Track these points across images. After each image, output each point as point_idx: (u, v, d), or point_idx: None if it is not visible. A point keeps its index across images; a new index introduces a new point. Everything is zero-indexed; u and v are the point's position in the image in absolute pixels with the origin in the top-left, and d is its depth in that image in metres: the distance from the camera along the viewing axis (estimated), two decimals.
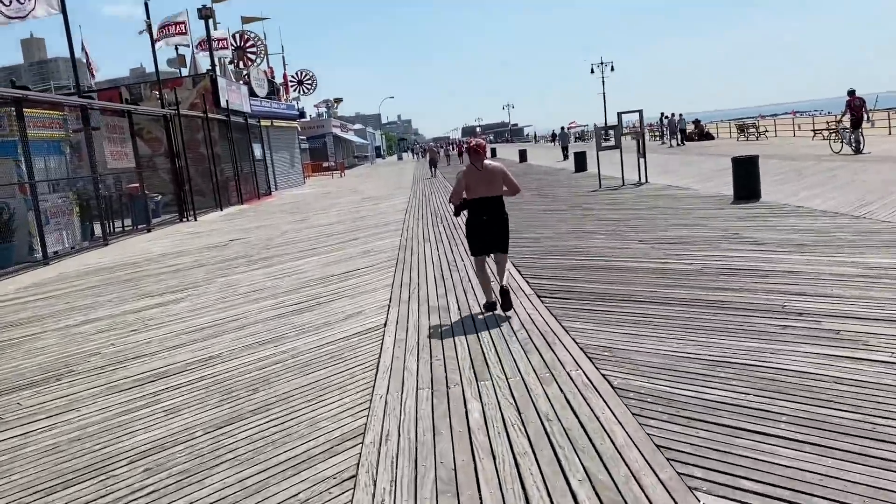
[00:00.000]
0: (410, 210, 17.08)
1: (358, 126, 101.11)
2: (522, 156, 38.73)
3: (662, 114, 41.45)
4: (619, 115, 17.90)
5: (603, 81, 65.54)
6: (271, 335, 6.24)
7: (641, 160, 17.90)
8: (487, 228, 6.34)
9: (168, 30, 24.98)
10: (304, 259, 10.70)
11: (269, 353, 5.64)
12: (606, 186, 17.51)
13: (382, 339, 5.74)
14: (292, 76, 63.17)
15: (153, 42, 19.78)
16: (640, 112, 17.80)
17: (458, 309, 6.54)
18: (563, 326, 5.51)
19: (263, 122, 33.67)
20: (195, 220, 20.50)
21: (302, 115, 50.14)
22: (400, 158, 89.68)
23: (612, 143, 18.23)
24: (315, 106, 75.65)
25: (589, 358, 4.72)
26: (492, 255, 6.53)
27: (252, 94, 33.92)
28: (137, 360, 5.92)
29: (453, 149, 56.47)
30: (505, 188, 6.33)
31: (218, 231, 17.01)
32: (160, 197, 22.12)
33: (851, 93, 20.22)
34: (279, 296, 8.03)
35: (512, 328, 5.65)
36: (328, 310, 7.03)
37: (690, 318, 5.40)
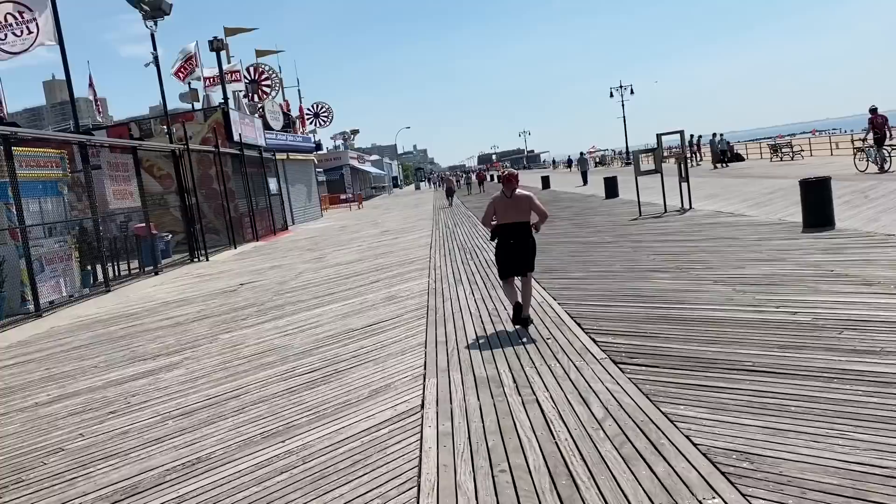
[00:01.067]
0: (435, 244, 15.76)
1: (375, 157, 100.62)
2: (545, 182, 37.45)
3: (692, 135, 40.02)
4: (659, 136, 16.54)
5: (623, 105, 64.24)
6: (277, 422, 4.88)
7: (684, 184, 16.50)
8: (514, 252, 6.81)
9: (192, 64, 24.15)
10: (320, 308, 9.37)
11: (273, 454, 4.27)
12: (647, 214, 16.11)
13: (421, 431, 4.36)
14: (308, 109, 62.72)
15: (159, 74, 18.84)
16: (682, 133, 16.43)
17: (514, 380, 5.14)
18: (664, 415, 4.10)
19: (279, 156, 32.74)
20: (206, 259, 19.32)
21: (318, 147, 49.39)
22: (417, 188, 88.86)
23: (651, 166, 16.86)
24: (332, 138, 75.19)
25: (722, 473, 3.31)
26: (518, 278, 6.90)
27: (267, 127, 33.06)
28: (106, 462, 4.57)
29: (472, 177, 54.99)
30: (534, 215, 6.83)
31: (229, 272, 15.78)
32: (170, 236, 21.03)
33: (874, 110, 19.71)
34: (289, 360, 6.68)
35: (594, 415, 4.24)
36: (348, 381, 5.67)
37: (846, 401, 3.97)
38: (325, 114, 65.89)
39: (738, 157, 38.08)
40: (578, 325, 6.56)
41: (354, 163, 65.98)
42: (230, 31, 40.08)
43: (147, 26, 18.58)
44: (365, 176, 74.43)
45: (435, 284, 10.08)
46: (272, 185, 28.59)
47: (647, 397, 4.42)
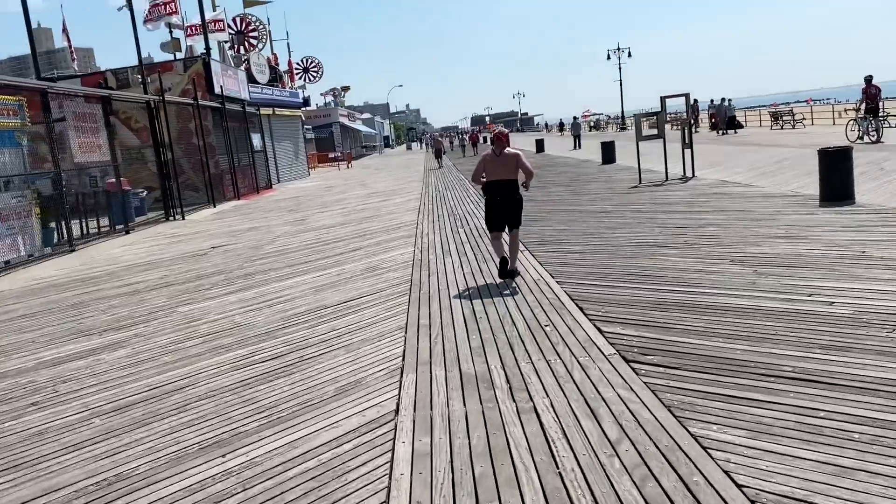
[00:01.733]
0: (424, 209, 14.87)
1: (366, 115, 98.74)
2: (539, 145, 36.44)
3: (695, 99, 38.91)
4: (663, 99, 15.58)
5: (620, 68, 62.76)
6: (222, 427, 4.06)
7: (687, 151, 15.62)
8: (502, 207, 7.17)
9: (159, 9, 22.75)
10: (293, 279, 8.51)
11: (208, 475, 3.46)
12: (648, 181, 15.25)
13: (393, 448, 3.55)
14: (297, 63, 60.90)
15: (133, 21, 17.59)
16: (687, 96, 15.48)
17: (507, 380, 4.34)
18: (693, 438, 3.31)
19: (264, 111, 31.51)
20: (183, 218, 18.37)
21: (306, 103, 47.92)
22: (409, 149, 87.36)
23: (653, 131, 15.95)
24: (322, 94, 73.41)
25: None
26: (506, 231, 7.26)
27: (252, 80, 31.75)
28: (4, 476, 3.75)
29: (465, 138, 53.40)
30: (521, 173, 7.11)
31: (204, 233, 14.86)
32: (145, 193, 20.01)
33: (868, 79, 19.41)
34: (249, 342, 5.85)
35: (605, 435, 3.44)
36: (312, 374, 4.85)
37: None
38: (315, 69, 64.13)
39: (738, 125, 37.12)
40: (581, 309, 5.75)
41: (344, 120, 64.52)
42: None
43: None
44: (355, 134, 72.97)
45: (421, 255, 9.23)
46: (256, 141, 27.45)
47: (670, 411, 3.62)
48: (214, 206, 21.09)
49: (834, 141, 20.21)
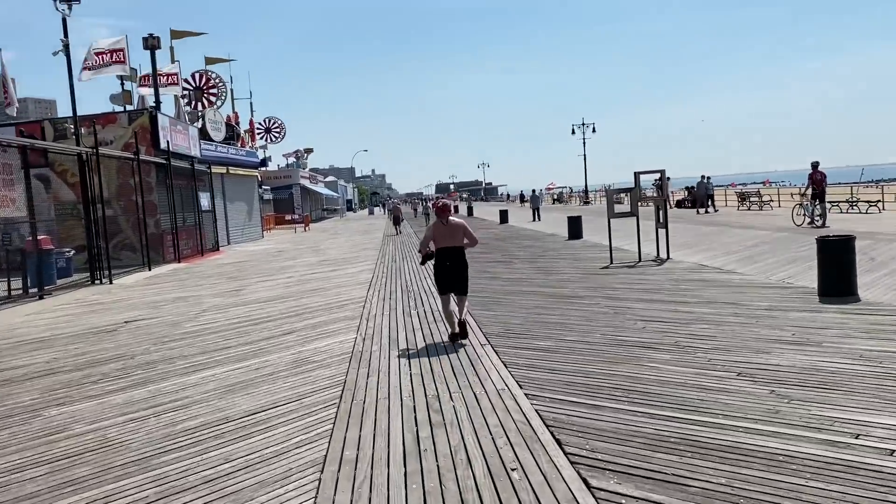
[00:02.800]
0: (376, 282, 13.46)
1: (330, 178, 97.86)
2: (503, 216, 35.49)
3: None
4: (637, 175, 14.63)
5: (584, 142, 63.13)
6: None
7: (661, 231, 14.61)
8: (450, 272, 7.64)
9: (103, 57, 21.41)
10: (201, 372, 6.95)
11: None
12: (620, 261, 14.13)
13: None
14: (259, 123, 59.99)
15: (69, 66, 16.21)
16: (663, 172, 14.56)
17: None
18: None
19: (218, 170, 30.09)
20: (110, 282, 16.60)
21: (263, 163, 46.77)
22: (371, 213, 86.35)
23: (626, 208, 14.93)
24: (284, 156, 72.41)
25: None
26: (454, 295, 7.72)
27: (206, 137, 30.45)
28: None
29: (430, 206, 50.78)
30: (466, 240, 7.71)
31: (125, 302, 13.17)
32: (72, 252, 18.23)
33: (815, 165, 19.91)
34: (109, 476, 4.27)
35: None
36: None
37: None
38: (278, 129, 63.29)
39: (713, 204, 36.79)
40: (558, 443, 4.34)
41: (305, 182, 63.34)
42: (177, 34, 37.50)
43: (58, 9, 16.02)
44: (316, 197, 71.77)
45: (363, 344, 7.77)
46: (204, 200, 25.89)
47: None
48: (150, 270, 19.34)
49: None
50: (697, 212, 30.84)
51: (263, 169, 55.12)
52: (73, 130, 18.99)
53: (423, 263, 8.13)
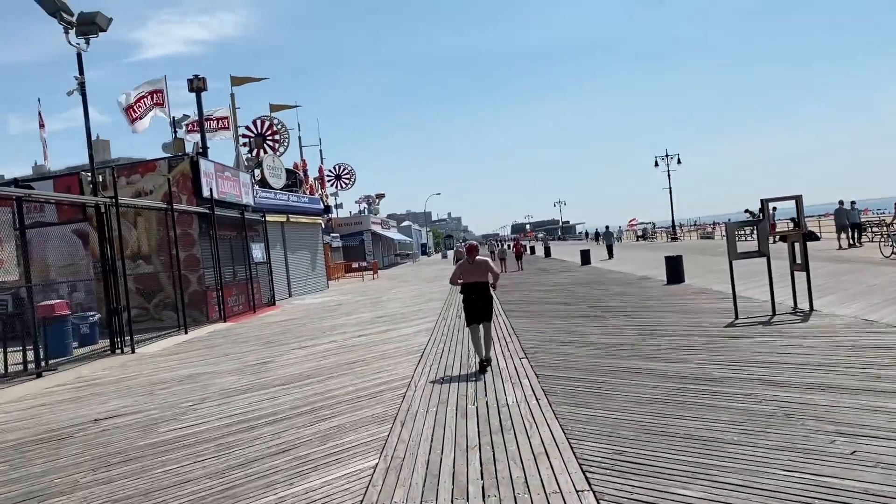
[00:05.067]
0: (430, 350, 10.62)
1: (406, 223, 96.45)
2: (585, 257, 32.08)
3: (757, 210, 34.48)
4: (765, 202, 11.36)
5: (668, 175, 59.07)
6: None
7: (799, 274, 11.25)
8: (476, 304, 8.81)
9: (143, 103, 19.77)
10: None
11: None
12: (746, 314, 10.86)
13: None
14: (329, 170, 58.99)
15: (85, 105, 14.30)
16: (799, 199, 11.22)
17: None
18: None
19: (277, 218, 28.20)
20: (132, 351, 14.37)
21: (327, 210, 45.03)
22: (444, 256, 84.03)
23: (753, 246, 11.63)
24: (356, 202, 71.38)
25: None
26: (482, 325, 8.79)
27: (265, 184, 28.68)
28: None
29: (507, 247, 42.27)
30: (490, 276, 9.01)
31: (125, 382, 10.76)
32: (97, 316, 16.21)
33: None
34: None
35: None
36: None
37: None
38: (348, 175, 62.22)
39: (812, 236, 32.32)
40: None
41: (377, 228, 61.61)
42: (238, 81, 36.42)
43: (73, 44, 14.20)
44: (388, 242, 70.01)
45: (381, 485, 4.88)
46: (257, 252, 23.82)
47: None
48: (186, 333, 17.11)
49: None
50: (840, 246, 25.13)
51: (332, 216, 53.75)
52: (125, 181, 17.19)
53: (461, 291, 9.04)
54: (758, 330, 9.65)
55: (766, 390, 6.32)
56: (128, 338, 14.51)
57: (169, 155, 23.90)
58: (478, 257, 8.92)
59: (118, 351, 14.38)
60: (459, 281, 9.00)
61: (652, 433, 5.37)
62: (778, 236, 12.76)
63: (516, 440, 5.52)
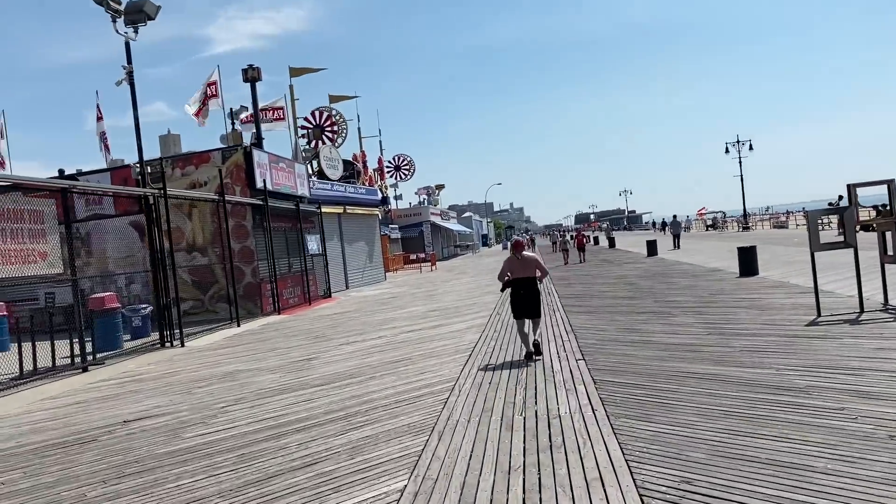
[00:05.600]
0: (480, 348, 9.95)
1: (466, 214, 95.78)
2: (651, 248, 30.76)
3: (840, 197, 32.43)
4: (851, 187, 10.23)
5: (740, 162, 56.58)
6: None
7: (889, 266, 10.11)
8: (524, 300, 8.83)
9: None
10: None
11: None
12: (830, 311, 9.82)
13: None
14: (389, 161, 58.82)
15: (133, 96, 14.14)
16: (890, 183, 10.06)
17: None
18: None
19: (334, 209, 27.95)
20: (182, 344, 14.19)
21: (385, 201, 44.71)
22: (505, 248, 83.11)
23: (838, 236, 10.53)
24: (416, 193, 71.10)
25: None
26: (528, 320, 8.85)
27: (322, 176, 28.48)
28: None
29: (570, 237, 38.02)
30: (538, 272, 9.04)
31: (166, 379, 10.48)
32: (149, 308, 16.14)
33: None
34: None
35: None
36: None
37: None
38: (407, 167, 62.00)
39: None
40: None
41: (436, 219, 61.16)
42: (296, 72, 36.50)
43: (121, 33, 14.03)
44: (448, 233, 69.51)
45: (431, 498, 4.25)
46: (312, 244, 23.58)
47: None
48: (238, 325, 16.92)
49: None
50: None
51: (390, 207, 53.52)
52: (181, 172, 17.10)
53: (503, 290, 9.30)
54: (845, 330, 8.62)
55: (862, 404, 5.43)
56: (177, 331, 14.33)
57: (223, 146, 23.86)
58: (525, 253, 9.04)
59: (167, 344, 14.22)
60: (507, 276, 9.03)
61: (726, 456, 4.58)
62: (861, 225, 11.57)
63: (567, 461, 4.81)
